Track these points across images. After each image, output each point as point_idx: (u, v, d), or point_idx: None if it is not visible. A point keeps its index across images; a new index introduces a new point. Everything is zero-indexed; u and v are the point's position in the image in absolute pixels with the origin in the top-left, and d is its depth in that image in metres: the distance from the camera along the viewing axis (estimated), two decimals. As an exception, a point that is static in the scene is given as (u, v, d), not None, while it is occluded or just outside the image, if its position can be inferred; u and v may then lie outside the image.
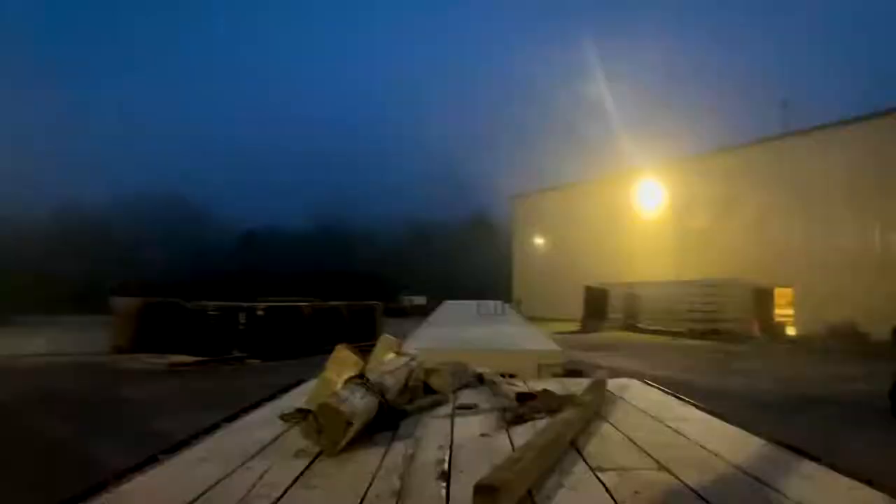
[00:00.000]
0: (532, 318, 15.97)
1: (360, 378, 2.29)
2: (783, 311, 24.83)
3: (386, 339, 3.40)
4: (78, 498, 1.72)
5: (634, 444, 2.06)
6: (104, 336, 16.55)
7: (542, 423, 2.38)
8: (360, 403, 2.06)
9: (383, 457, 1.93)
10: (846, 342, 19.37)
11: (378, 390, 2.28)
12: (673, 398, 3.02)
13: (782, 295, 24.91)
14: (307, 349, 14.09)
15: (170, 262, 46.55)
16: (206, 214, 60.16)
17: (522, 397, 2.82)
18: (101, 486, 1.79)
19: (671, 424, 2.36)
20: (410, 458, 1.91)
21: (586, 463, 1.82)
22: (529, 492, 1.56)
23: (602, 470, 1.75)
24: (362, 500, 1.56)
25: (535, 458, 1.61)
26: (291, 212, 62.76)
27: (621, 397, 2.96)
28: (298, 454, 2.00)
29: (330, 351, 2.86)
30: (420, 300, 38.17)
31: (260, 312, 15.97)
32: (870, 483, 1.65)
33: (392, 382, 2.53)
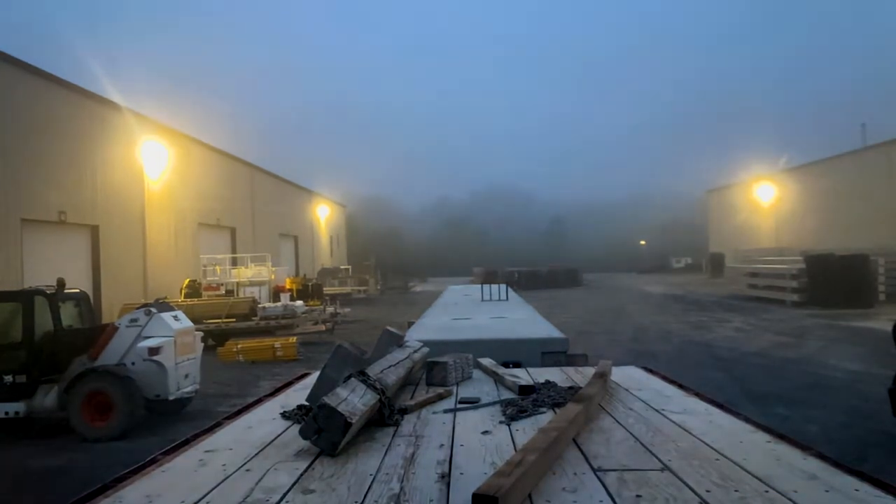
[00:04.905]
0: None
1: (361, 375, 2.27)
2: None
3: (388, 331, 3.38)
4: (79, 500, 1.72)
5: (637, 441, 2.04)
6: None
7: (544, 418, 2.37)
8: (359, 402, 2.04)
9: (383, 458, 1.91)
10: None
11: (379, 387, 2.25)
12: (676, 388, 2.99)
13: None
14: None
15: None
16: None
17: (525, 390, 2.81)
18: (101, 490, 1.78)
19: (675, 418, 2.33)
20: (410, 459, 1.89)
21: (588, 463, 1.80)
22: (529, 495, 1.54)
23: (603, 470, 1.73)
24: None
25: (535, 461, 1.58)
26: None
27: (624, 388, 2.94)
28: (299, 454, 1.98)
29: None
30: (687, 260, 64.84)
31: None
32: (877, 482, 1.62)
33: (393, 379, 2.51)
